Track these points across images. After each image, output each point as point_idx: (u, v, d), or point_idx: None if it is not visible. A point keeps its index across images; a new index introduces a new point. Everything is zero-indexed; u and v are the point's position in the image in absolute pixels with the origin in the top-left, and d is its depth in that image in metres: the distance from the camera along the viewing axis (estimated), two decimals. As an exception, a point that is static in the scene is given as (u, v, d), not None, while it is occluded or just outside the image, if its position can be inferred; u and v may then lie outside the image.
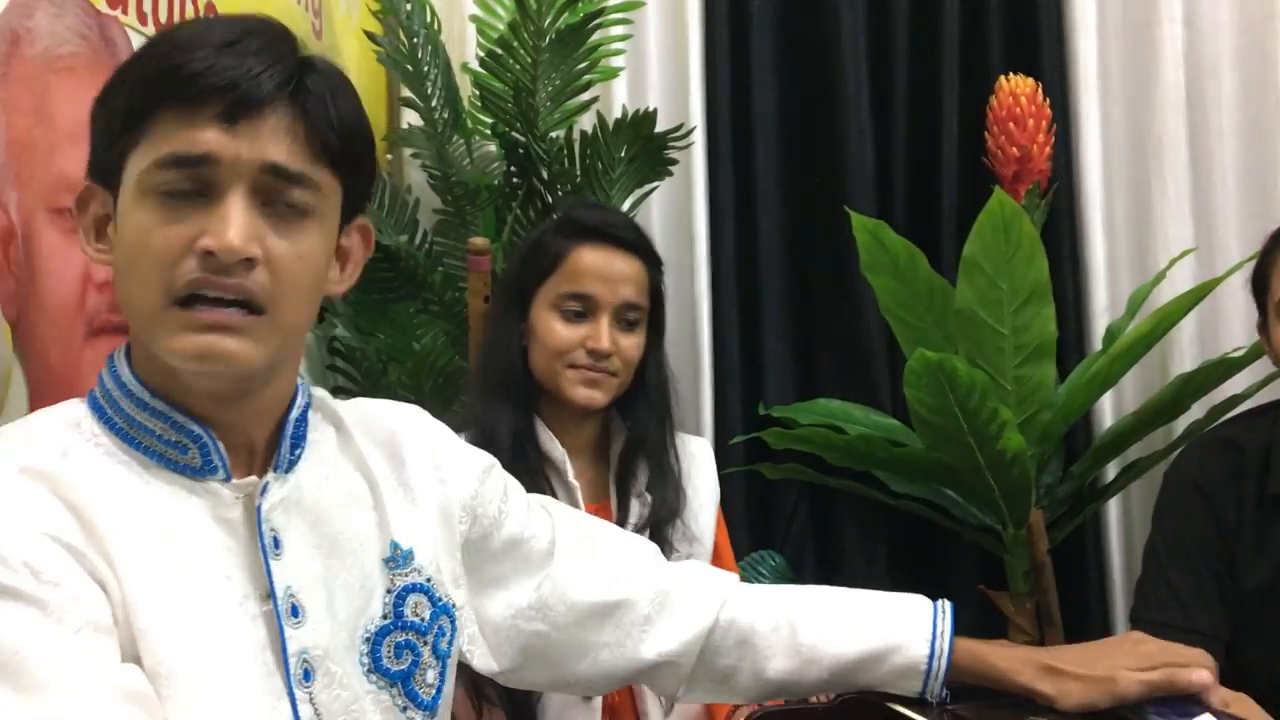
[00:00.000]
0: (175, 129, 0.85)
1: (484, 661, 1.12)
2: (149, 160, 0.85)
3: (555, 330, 1.56)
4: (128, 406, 0.90)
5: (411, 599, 1.01)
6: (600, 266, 1.57)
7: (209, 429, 0.91)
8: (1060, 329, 2.03)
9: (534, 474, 1.54)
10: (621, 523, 1.61)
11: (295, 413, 0.97)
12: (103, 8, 1.41)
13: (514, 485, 1.19)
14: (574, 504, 1.56)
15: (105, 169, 0.90)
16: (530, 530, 1.15)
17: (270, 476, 0.94)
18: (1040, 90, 2.26)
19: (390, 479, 1.04)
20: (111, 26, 1.42)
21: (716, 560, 1.69)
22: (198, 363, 0.86)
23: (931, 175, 2.45)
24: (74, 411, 0.91)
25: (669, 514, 1.64)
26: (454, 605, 1.05)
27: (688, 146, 2.10)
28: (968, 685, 1.10)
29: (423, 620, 1.01)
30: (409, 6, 2.00)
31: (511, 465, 1.41)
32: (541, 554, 1.15)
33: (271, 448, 0.96)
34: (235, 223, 0.84)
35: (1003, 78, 2.27)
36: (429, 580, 1.03)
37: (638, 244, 1.64)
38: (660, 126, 2.12)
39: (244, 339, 0.86)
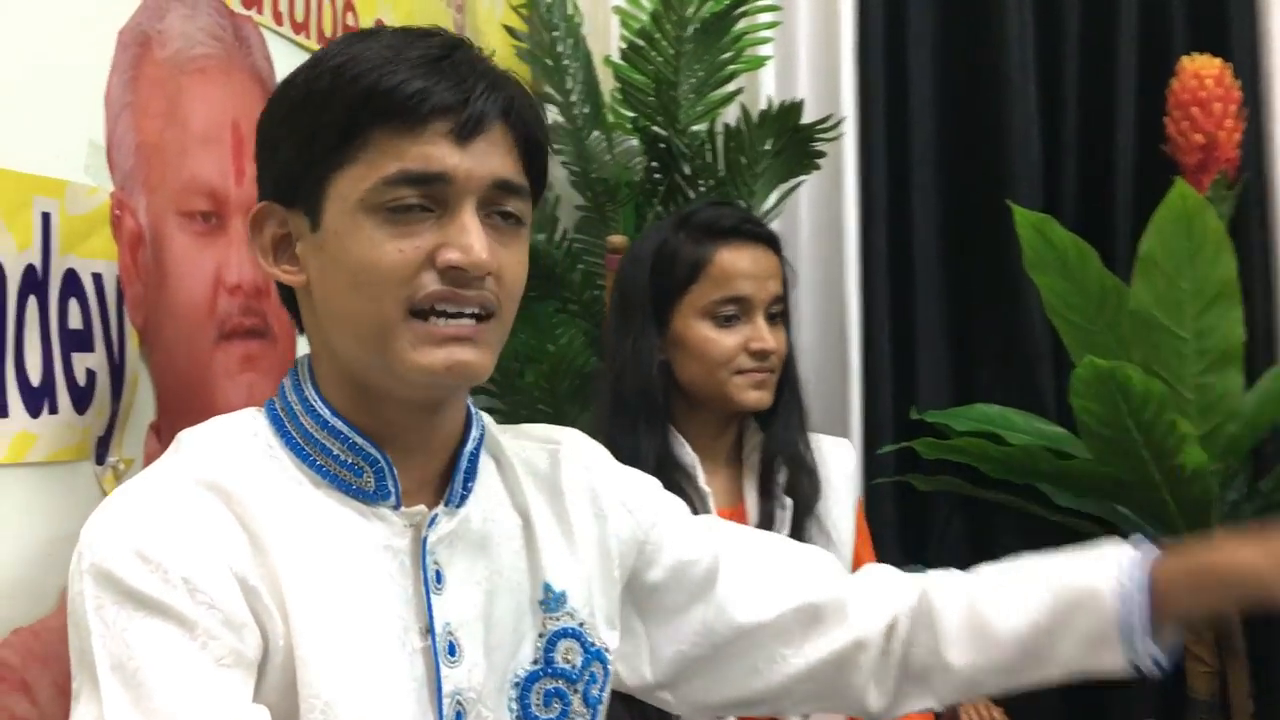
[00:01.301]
0: (402, 146, 0.85)
1: (640, 678, 1.08)
2: (374, 178, 0.85)
3: (713, 339, 1.51)
4: (307, 423, 0.91)
5: (563, 645, 0.98)
6: (747, 266, 1.52)
7: (386, 454, 0.90)
8: (1248, 333, 1.86)
9: (665, 485, 1.48)
10: (762, 527, 1.53)
11: (470, 444, 0.96)
12: (237, 8, 1.40)
13: (673, 507, 1.13)
14: (706, 511, 1.50)
15: (294, 188, 0.90)
16: (692, 553, 1.10)
17: (440, 509, 0.92)
18: (1229, 71, 2.07)
19: (546, 515, 1.01)
20: (246, 27, 1.41)
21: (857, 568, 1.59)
22: (447, 375, 0.86)
23: (1105, 165, 2.29)
24: (252, 422, 0.92)
25: (805, 508, 1.56)
26: (606, 650, 1.01)
27: (836, 139, 1.99)
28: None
29: (574, 667, 0.98)
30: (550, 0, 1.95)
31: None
32: (706, 577, 1.09)
33: (443, 479, 0.95)
34: (478, 237, 0.85)
35: (1186, 58, 2.11)
36: (582, 625, 0.99)
37: (770, 236, 1.59)
38: (809, 117, 2.02)
39: (479, 348, 0.87)
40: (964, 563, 2.26)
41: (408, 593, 0.89)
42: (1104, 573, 0.99)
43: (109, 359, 1.16)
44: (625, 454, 1.45)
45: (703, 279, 1.51)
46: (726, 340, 1.50)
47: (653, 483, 1.14)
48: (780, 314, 1.56)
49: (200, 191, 1.30)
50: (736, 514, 1.55)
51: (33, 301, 1.05)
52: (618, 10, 2.18)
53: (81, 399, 1.11)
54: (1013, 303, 2.26)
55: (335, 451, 0.90)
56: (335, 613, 0.85)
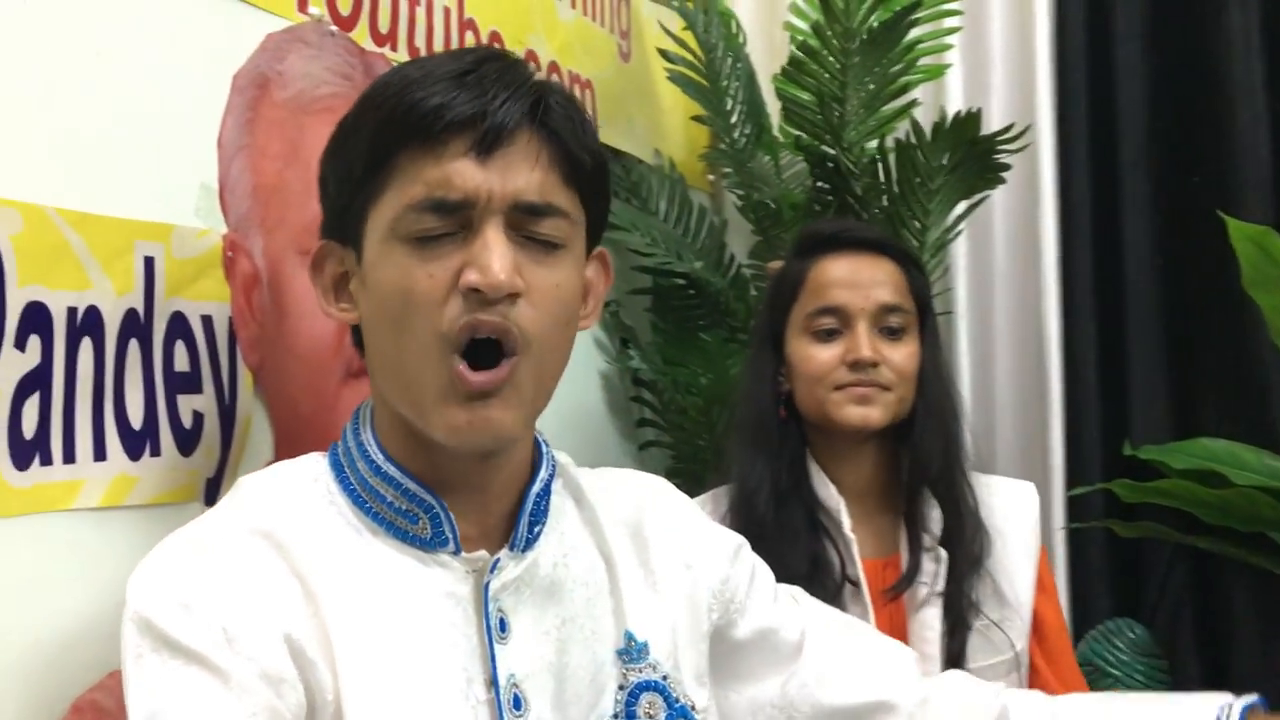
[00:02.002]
0: (424, 168, 0.82)
1: None
2: (401, 204, 0.82)
3: (810, 355, 1.39)
4: (362, 469, 0.88)
5: (645, 698, 0.92)
6: (845, 274, 1.39)
7: (441, 500, 0.86)
8: None
9: (801, 529, 1.37)
10: (910, 580, 1.39)
11: (538, 486, 0.91)
12: (369, 45, 1.40)
13: (762, 570, 1.08)
14: (849, 560, 1.37)
15: (344, 222, 0.87)
16: (778, 620, 1.05)
17: (504, 554, 0.88)
18: None
19: (631, 560, 0.96)
20: (378, 64, 1.40)
21: (1037, 638, 1.42)
22: (467, 436, 0.82)
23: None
24: (314, 467, 0.89)
25: (970, 565, 1.40)
26: (693, 707, 0.94)
27: (1022, 149, 1.82)
28: None
29: None
30: (705, 17, 1.88)
31: (776, 521, 1.24)
32: (790, 647, 1.05)
33: (509, 521, 0.90)
34: (498, 257, 0.80)
35: None
36: (665, 678, 0.94)
37: (884, 243, 1.45)
38: (1000, 126, 1.86)
39: (506, 399, 0.82)
40: (1188, 617, 2.04)
41: (471, 642, 0.85)
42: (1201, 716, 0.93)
43: (218, 400, 1.16)
44: (744, 488, 1.37)
45: (803, 294, 1.41)
46: (823, 354, 1.38)
47: (741, 541, 1.07)
48: (901, 328, 1.40)
49: (326, 230, 1.30)
50: (890, 565, 1.42)
51: (134, 345, 1.06)
52: (787, 26, 2.08)
53: (187, 441, 1.12)
54: (1239, 325, 2.01)
55: (389, 498, 0.86)
56: (391, 665, 0.81)
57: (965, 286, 2.20)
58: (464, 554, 0.86)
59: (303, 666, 0.79)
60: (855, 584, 1.36)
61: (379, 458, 0.87)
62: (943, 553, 1.38)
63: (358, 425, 0.90)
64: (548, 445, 0.95)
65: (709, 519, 1.07)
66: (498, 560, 0.87)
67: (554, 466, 0.94)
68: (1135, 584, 2.10)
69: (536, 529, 0.91)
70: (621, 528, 0.97)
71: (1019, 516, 1.47)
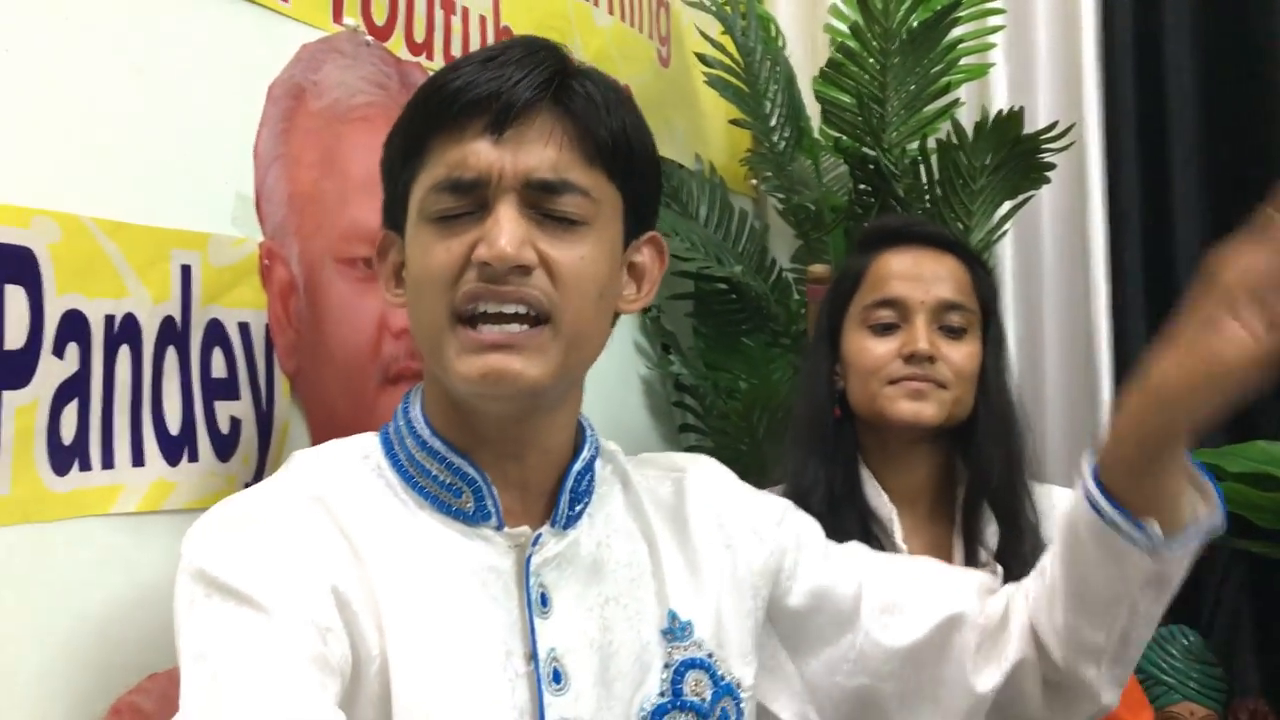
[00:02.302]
0: (446, 150, 0.85)
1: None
2: (426, 187, 0.85)
3: (866, 347, 1.36)
4: (410, 444, 0.89)
5: (691, 676, 0.92)
6: (907, 267, 1.37)
7: (483, 473, 0.88)
8: None
9: (855, 536, 1.34)
10: None
11: (579, 464, 0.92)
12: (404, 55, 1.42)
13: (809, 530, 1.06)
14: None
15: (394, 211, 0.91)
16: (831, 578, 1.03)
17: (545, 530, 0.89)
18: None
19: (670, 543, 0.97)
20: (414, 73, 1.41)
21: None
22: (482, 384, 0.83)
23: None
24: (366, 444, 0.91)
25: (1022, 576, 1.37)
26: (738, 685, 0.95)
27: (1067, 148, 1.79)
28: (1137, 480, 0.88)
29: (704, 700, 0.92)
30: (743, 21, 1.87)
31: (831, 526, 1.23)
32: (849, 601, 1.03)
33: (551, 501, 0.91)
34: (505, 231, 0.82)
35: None
36: (710, 656, 0.94)
37: (949, 240, 1.43)
38: (1047, 124, 1.83)
39: (528, 356, 0.83)
40: (1246, 624, 1.99)
41: (512, 616, 0.86)
42: (1076, 491, 0.93)
43: (255, 406, 1.18)
44: (799, 488, 1.35)
45: (863, 287, 1.39)
46: (879, 348, 1.35)
47: (785, 505, 1.06)
48: (961, 327, 1.37)
49: (362, 238, 1.30)
50: None
51: (171, 352, 1.08)
52: (827, 28, 2.07)
53: (225, 446, 1.14)
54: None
55: (434, 472, 0.88)
56: (434, 631, 0.82)
57: (1013, 287, 2.17)
58: (506, 529, 0.88)
59: (349, 619, 0.80)
60: None
61: (425, 432, 0.89)
62: (998, 567, 1.35)
63: (408, 405, 0.92)
64: (593, 430, 0.95)
65: (751, 490, 1.06)
66: (539, 535, 0.88)
67: (597, 448, 0.95)
68: (1190, 590, 2.03)
69: (579, 507, 0.92)
70: (662, 510, 0.98)
71: None
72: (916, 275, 1.36)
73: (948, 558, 1.40)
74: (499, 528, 0.88)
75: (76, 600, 0.99)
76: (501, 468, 0.89)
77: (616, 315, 0.92)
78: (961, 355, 1.36)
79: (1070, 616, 0.95)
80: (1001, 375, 1.42)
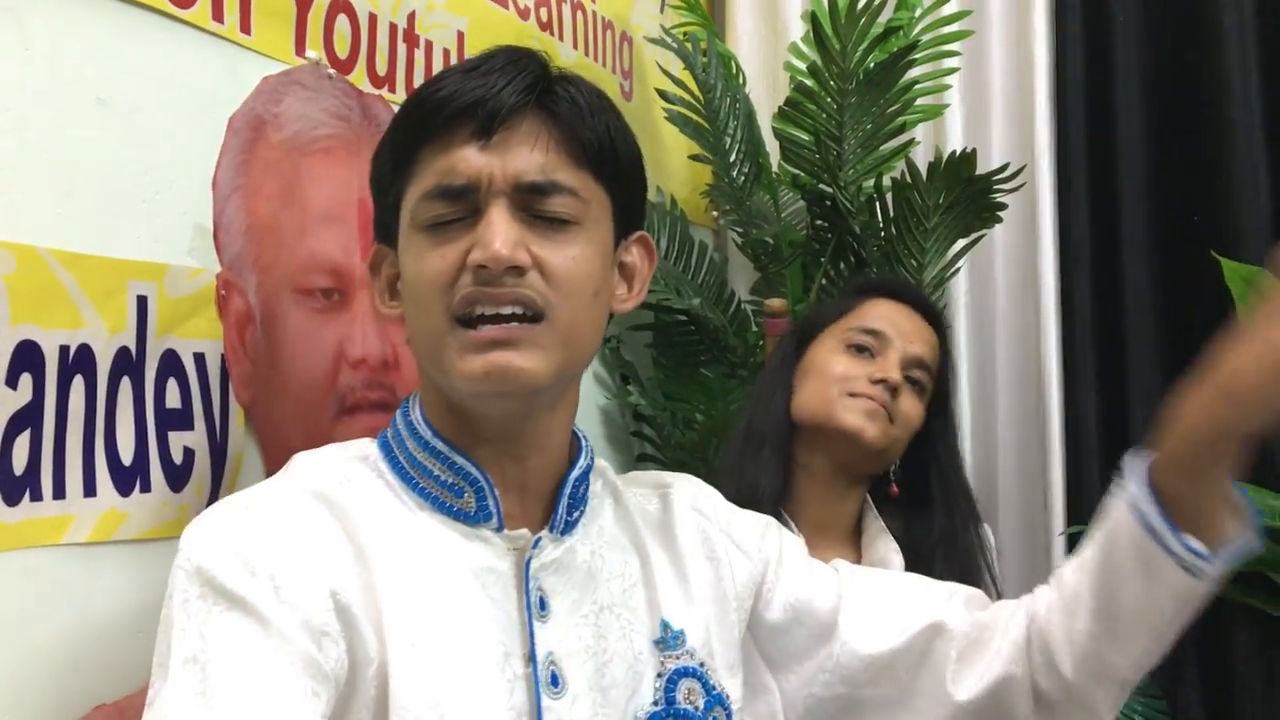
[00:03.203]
0: (435, 159, 0.86)
1: None
2: (416, 196, 0.87)
3: (838, 359, 1.42)
4: (411, 446, 0.90)
5: (684, 684, 0.94)
6: (896, 314, 1.45)
7: (486, 473, 0.89)
8: None
9: None
10: None
11: (576, 471, 0.94)
12: (367, 87, 1.43)
13: (791, 545, 1.08)
14: None
15: (387, 224, 0.92)
16: (811, 591, 1.05)
17: (545, 534, 0.90)
18: None
19: (660, 555, 0.99)
20: (376, 106, 1.42)
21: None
22: (485, 381, 0.84)
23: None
24: (363, 449, 0.92)
25: None
26: (728, 697, 0.96)
27: (1018, 189, 1.83)
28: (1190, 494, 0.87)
29: (697, 709, 0.93)
30: (704, 59, 1.90)
31: None
32: (827, 614, 1.04)
33: (548, 507, 0.93)
34: (499, 234, 0.83)
35: None
36: (701, 665, 0.95)
37: (934, 310, 1.51)
38: (1000, 163, 1.87)
39: (526, 351, 0.84)
40: (1188, 661, 2.02)
41: (511, 618, 0.87)
42: (1118, 499, 0.91)
43: (209, 436, 1.18)
44: (747, 485, 1.39)
45: (847, 317, 1.46)
46: (851, 363, 1.41)
47: (768, 520, 1.08)
48: (922, 385, 1.43)
49: (321, 269, 1.32)
50: None
51: (126, 382, 1.08)
52: (786, 66, 2.10)
53: (177, 477, 1.14)
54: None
55: (436, 472, 0.89)
56: (433, 630, 0.83)
57: (966, 324, 2.21)
58: (506, 531, 0.89)
59: (346, 623, 0.80)
60: None
61: (427, 433, 0.90)
62: None
63: (407, 409, 0.93)
64: (587, 440, 0.97)
65: (734, 507, 1.07)
66: (539, 539, 0.89)
67: (592, 458, 0.97)
68: (1183, 642, 2.08)
69: (575, 514, 0.93)
70: (651, 524, 1.00)
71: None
72: (902, 325, 1.44)
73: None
74: (499, 529, 0.89)
75: (26, 630, 0.99)
76: (501, 469, 0.90)
77: (611, 315, 0.93)
78: (912, 408, 1.42)
79: (1093, 632, 0.93)
80: (952, 442, 1.49)
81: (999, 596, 1.42)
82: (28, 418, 0.99)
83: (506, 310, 0.84)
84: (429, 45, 1.54)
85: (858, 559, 1.43)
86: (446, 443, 0.89)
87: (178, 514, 1.13)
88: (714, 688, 0.95)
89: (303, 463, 0.90)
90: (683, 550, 0.99)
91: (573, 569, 0.91)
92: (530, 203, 0.86)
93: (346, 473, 0.88)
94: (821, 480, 1.43)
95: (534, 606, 0.87)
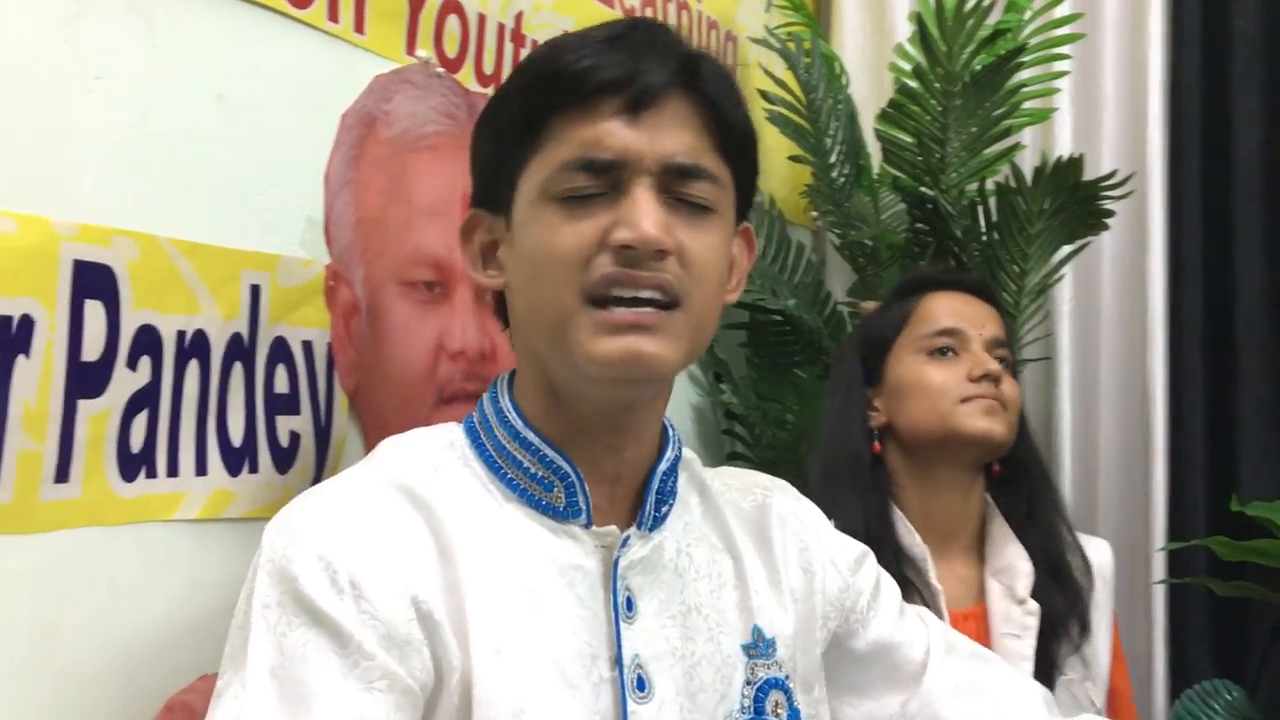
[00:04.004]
0: (575, 130, 0.83)
1: None
2: (552, 166, 0.83)
3: (929, 371, 1.41)
4: (500, 434, 0.88)
5: (773, 696, 0.92)
6: (958, 305, 1.44)
7: (578, 469, 0.87)
8: None
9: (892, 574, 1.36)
10: (1002, 634, 1.38)
11: (664, 465, 0.92)
12: (474, 86, 1.46)
13: (888, 583, 1.07)
14: (937, 612, 1.36)
15: (494, 191, 0.89)
16: (901, 637, 1.03)
17: (633, 531, 0.88)
18: None
19: (755, 557, 0.97)
20: (481, 104, 1.45)
21: (1112, 702, 1.39)
22: (621, 366, 0.82)
23: None
24: (450, 434, 0.90)
25: (1060, 617, 1.38)
26: (801, 713, 0.94)
27: (1127, 196, 1.79)
28: None
29: None
30: (807, 60, 1.90)
31: None
32: (914, 666, 1.03)
33: (635, 502, 0.90)
34: (649, 214, 0.81)
35: None
36: (787, 678, 0.93)
37: (986, 288, 1.51)
38: (1109, 169, 1.84)
39: (661, 338, 0.82)
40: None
41: (598, 618, 0.84)
42: None
43: (314, 421, 1.22)
44: (840, 529, 1.37)
45: (912, 323, 1.44)
46: (944, 371, 1.40)
47: (865, 550, 1.06)
48: (1009, 361, 1.44)
49: (424, 262, 1.36)
50: (973, 616, 1.40)
51: (238, 367, 1.13)
52: (891, 67, 2.08)
53: (283, 459, 1.18)
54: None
55: (526, 464, 0.87)
56: (518, 634, 0.81)
57: (1069, 332, 2.16)
58: (595, 528, 0.86)
59: (430, 630, 0.78)
60: None
61: (518, 423, 0.88)
62: (1034, 604, 1.36)
63: (496, 394, 0.91)
64: (675, 431, 0.95)
65: (832, 526, 1.05)
66: (628, 537, 0.87)
67: (680, 450, 0.95)
68: (1237, 645, 2.02)
69: (663, 509, 0.91)
70: (745, 523, 0.97)
71: (1099, 577, 1.45)
72: (967, 313, 1.43)
73: (978, 594, 1.42)
74: (587, 525, 0.86)
75: (137, 601, 1.04)
76: (595, 461, 0.88)
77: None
78: (1011, 387, 1.42)
79: None
80: (1025, 419, 1.48)
81: (1081, 554, 1.42)
82: (145, 399, 1.04)
83: (645, 294, 0.82)
84: (535, 44, 1.56)
85: (983, 566, 1.41)
86: (538, 434, 0.87)
87: (282, 495, 1.18)
88: (795, 703, 0.93)
89: (387, 450, 0.88)
90: (777, 555, 0.97)
91: (660, 567, 0.89)
92: (674, 185, 0.84)
93: (434, 462, 0.86)
94: (944, 489, 1.42)
95: (621, 607, 0.85)
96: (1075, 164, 1.75)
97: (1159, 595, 2.00)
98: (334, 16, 1.24)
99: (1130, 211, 2.01)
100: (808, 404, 2.00)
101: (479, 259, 0.91)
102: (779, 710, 0.91)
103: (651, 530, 0.90)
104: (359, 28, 1.28)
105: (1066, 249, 1.91)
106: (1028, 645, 1.36)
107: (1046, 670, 1.36)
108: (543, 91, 0.84)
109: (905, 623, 1.04)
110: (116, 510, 1.02)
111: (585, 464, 0.87)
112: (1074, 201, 1.79)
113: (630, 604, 0.86)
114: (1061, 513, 1.46)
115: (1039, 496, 1.44)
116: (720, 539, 0.95)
